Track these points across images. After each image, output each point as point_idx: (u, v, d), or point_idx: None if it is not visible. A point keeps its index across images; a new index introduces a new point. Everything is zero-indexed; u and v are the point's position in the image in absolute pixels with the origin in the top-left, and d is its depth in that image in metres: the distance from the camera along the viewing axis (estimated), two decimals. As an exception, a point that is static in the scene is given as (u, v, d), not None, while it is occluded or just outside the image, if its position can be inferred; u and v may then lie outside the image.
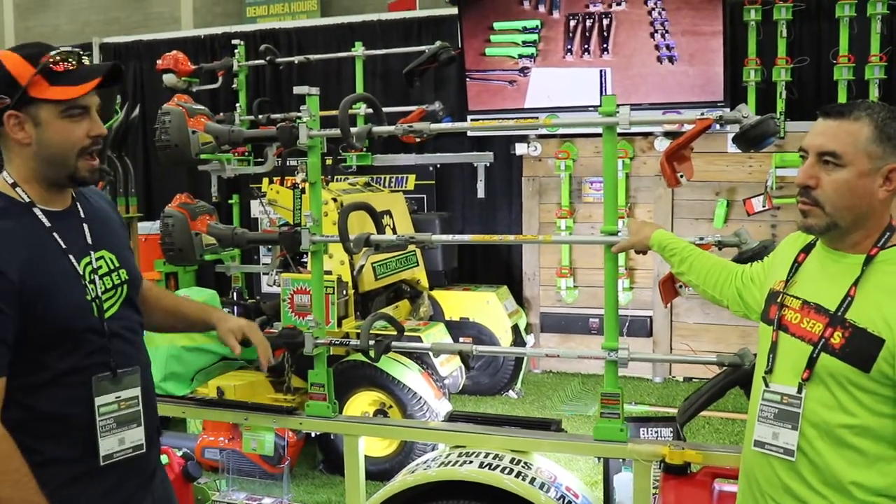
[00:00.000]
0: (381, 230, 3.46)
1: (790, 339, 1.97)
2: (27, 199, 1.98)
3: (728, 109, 2.95)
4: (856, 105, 1.91)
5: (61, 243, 1.99)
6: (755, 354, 2.75)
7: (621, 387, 3.01)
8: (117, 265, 2.11)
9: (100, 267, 2.06)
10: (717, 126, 2.95)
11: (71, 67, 1.94)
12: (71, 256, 2.00)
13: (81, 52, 2.01)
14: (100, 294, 2.03)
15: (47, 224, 1.99)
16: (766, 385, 2.00)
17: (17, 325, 1.87)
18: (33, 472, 1.85)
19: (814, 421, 1.90)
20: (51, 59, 1.92)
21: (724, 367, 3.00)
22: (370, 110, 6.26)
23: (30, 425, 1.92)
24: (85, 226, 2.07)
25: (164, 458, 2.62)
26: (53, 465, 1.95)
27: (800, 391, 1.92)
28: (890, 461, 1.84)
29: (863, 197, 1.88)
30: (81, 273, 2.00)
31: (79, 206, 2.09)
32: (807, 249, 2.06)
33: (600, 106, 2.96)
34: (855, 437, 1.85)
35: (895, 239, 1.91)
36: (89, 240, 2.06)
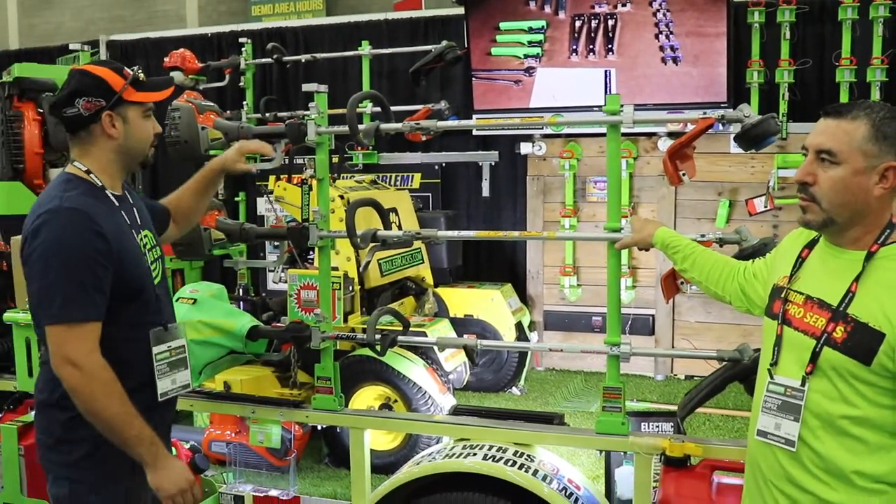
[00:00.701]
0: (387, 226, 3.50)
1: (794, 333, 2.03)
2: (100, 184, 2.40)
3: (732, 110, 2.98)
4: (856, 105, 1.97)
5: (127, 220, 2.44)
6: (755, 350, 2.85)
7: (623, 381, 3.05)
8: (155, 242, 2.59)
9: (146, 243, 2.51)
10: (720, 126, 3.00)
11: (146, 79, 2.46)
12: (133, 231, 2.45)
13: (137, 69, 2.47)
14: (149, 264, 2.48)
15: (116, 204, 2.43)
16: (771, 377, 2.05)
17: (111, 282, 2.29)
18: None
19: (816, 412, 1.95)
20: (136, 72, 2.42)
21: (724, 363, 3.04)
22: (377, 108, 6.33)
23: (110, 364, 2.29)
24: (134, 209, 2.52)
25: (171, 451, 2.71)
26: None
27: (803, 384, 1.97)
28: (890, 450, 1.89)
29: (857, 194, 1.93)
30: (140, 246, 2.46)
31: (127, 193, 2.54)
32: (810, 245, 2.12)
33: (605, 105, 3.02)
34: (856, 428, 1.90)
35: (895, 236, 1.96)
36: (138, 220, 2.51)
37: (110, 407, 2.24)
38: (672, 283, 3.07)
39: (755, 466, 2.11)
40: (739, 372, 2.98)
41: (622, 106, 2.97)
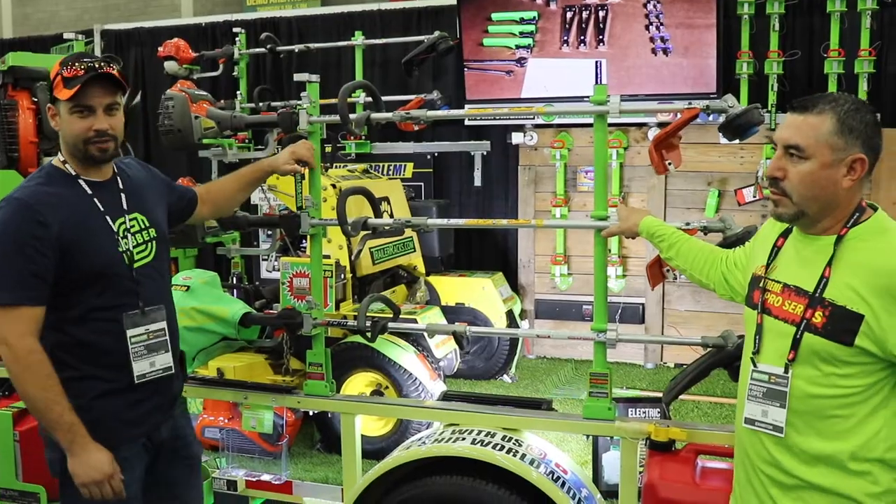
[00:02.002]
0: (378, 214, 3.53)
1: (774, 322, 2.06)
2: (73, 173, 2.48)
3: (717, 100, 3.01)
4: (822, 98, 1.99)
5: (100, 206, 2.49)
6: (739, 336, 2.86)
7: (610, 367, 3.08)
8: (147, 225, 2.62)
9: (133, 226, 2.55)
10: (708, 116, 3.03)
11: (78, 73, 2.38)
12: (108, 217, 2.50)
13: (102, 60, 2.44)
14: (131, 248, 2.52)
15: (89, 192, 2.48)
16: (755, 365, 2.09)
17: (55, 268, 2.36)
18: (72, 384, 2.38)
19: (801, 397, 1.99)
20: (70, 66, 2.39)
21: (709, 349, 3.07)
22: (369, 98, 6.34)
23: (67, 348, 2.43)
24: (122, 194, 2.57)
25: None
26: (89, 380, 2.45)
27: (786, 371, 2.01)
28: (868, 422, 1.93)
29: (827, 187, 1.96)
30: (116, 230, 2.50)
31: (118, 179, 2.59)
32: (785, 234, 2.15)
33: (589, 96, 3.05)
34: (841, 409, 1.94)
35: (864, 217, 1.99)
36: (125, 205, 2.56)
37: (30, 389, 2.34)
38: (658, 271, 3.11)
39: (743, 453, 2.15)
40: (724, 358, 3.01)
41: (609, 96, 2.99)
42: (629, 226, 2.86)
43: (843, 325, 1.91)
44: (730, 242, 2.90)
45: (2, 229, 2.35)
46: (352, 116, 3.35)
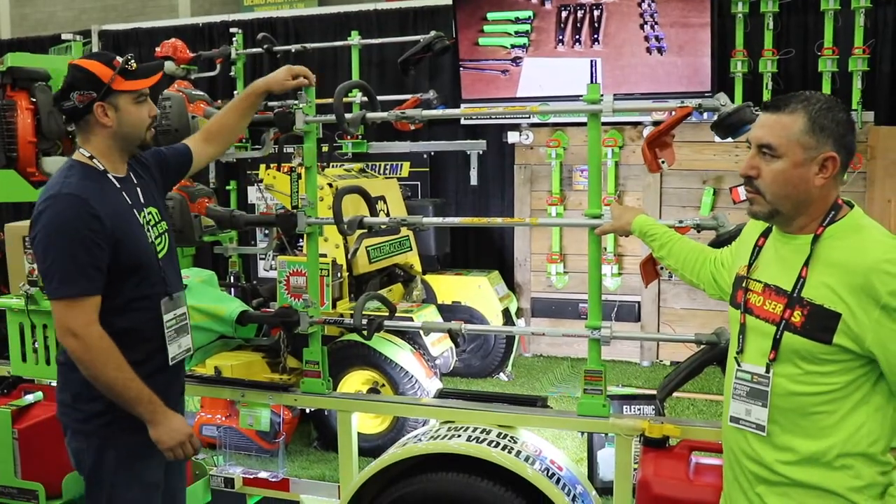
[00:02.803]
0: (374, 213, 3.54)
1: (756, 321, 2.08)
2: (102, 168, 2.59)
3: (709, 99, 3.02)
4: (795, 97, 2.00)
5: (128, 200, 2.62)
6: None
7: (604, 365, 3.08)
8: (159, 219, 2.75)
9: (150, 220, 2.69)
10: (703, 115, 3.04)
11: (135, 66, 2.59)
12: (135, 211, 2.63)
13: (131, 56, 2.63)
14: (153, 240, 2.67)
15: (118, 186, 2.61)
16: (738, 365, 2.10)
17: (108, 260, 2.48)
18: None
19: (783, 395, 2.00)
20: (124, 62, 2.56)
21: (702, 346, 3.08)
22: (365, 98, 6.35)
23: (111, 337, 2.49)
24: (138, 189, 2.69)
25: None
26: (132, 366, 2.52)
27: (767, 370, 2.02)
28: (848, 417, 1.95)
29: (799, 185, 1.97)
30: (142, 223, 2.64)
31: (132, 174, 2.70)
32: (765, 234, 2.16)
33: (586, 94, 3.07)
34: (822, 405, 1.95)
35: (839, 215, 2.00)
36: (142, 199, 2.69)
37: (108, 372, 2.47)
38: (651, 269, 3.12)
39: (730, 451, 2.16)
40: (717, 355, 3.01)
41: (602, 94, 3.00)
42: (622, 224, 2.87)
43: (821, 324, 1.92)
44: (722, 240, 2.90)
45: (59, 223, 2.44)
46: (347, 116, 3.36)
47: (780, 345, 1.99)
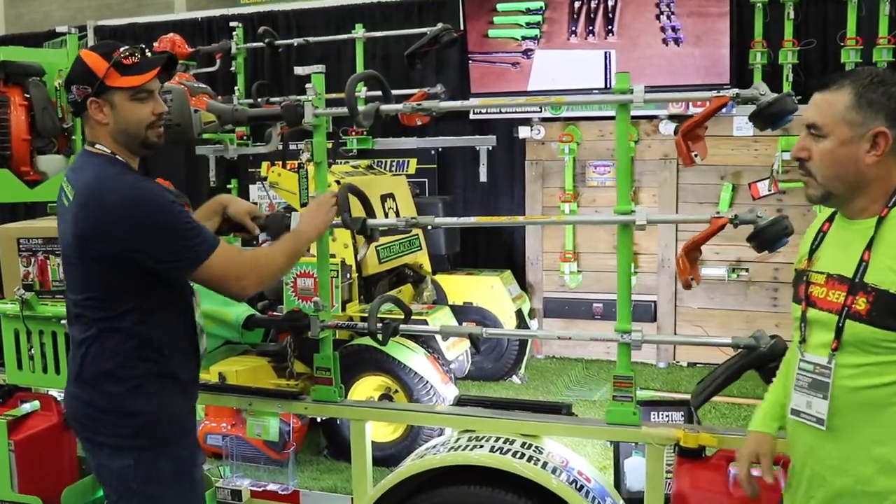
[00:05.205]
0: (371, 215, 3.35)
1: (819, 313, 2.01)
2: (124, 161, 2.48)
3: (746, 89, 2.91)
4: (844, 74, 1.97)
5: None
6: (772, 336, 2.79)
7: (633, 369, 2.98)
8: None
9: None
10: (733, 105, 2.92)
11: (136, 61, 2.41)
12: None
13: (145, 48, 2.48)
14: None
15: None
16: (801, 355, 2.04)
17: None
18: (153, 381, 2.44)
19: (845, 388, 1.92)
20: (121, 55, 2.39)
21: (739, 350, 2.94)
22: (371, 92, 6.22)
23: (151, 342, 2.43)
24: None
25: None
26: (167, 378, 2.47)
27: (830, 361, 1.95)
28: None
29: (848, 165, 1.93)
30: None
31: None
32: (830, 219, 2.10)
33: (606, 86, 2.93)
34: (888, 398, 1.87)
35: None
36: None
37: (279, 262, 2.57)
38: (687, 263, 2.92)
39: (793, 447, 2.10)
40: (755, 359, 2.88)
41: (632, 85, 2.87)
42: (767, 446, 2.32)
43: (888, 311, 1.85)
44: (762, 235, 2.73)
45: (152, 199, 2.35)
46: (359, 108, 3.22)
47: (842, 333, 1.92)
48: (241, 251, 2.56)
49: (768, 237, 2.69)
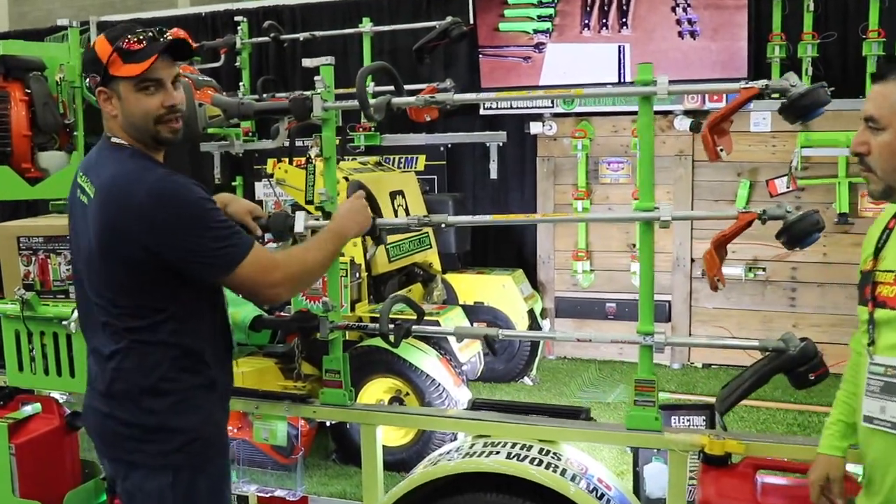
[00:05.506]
0: (378, 213, 3.27)
1: (889, 312, 1.95)
2: (149, 154, 2.31)
3: (776, 80, 2.81)
4: None
5: None
6: (801, 339, 2.68)
7: (656, 373, 2.87)
8: None
9: None
10: (761, 97, 2.82)
11: (141, 46, 2.18)
12: None
13: (157, 30, 2.25)
14: None
15: None
16: (871, 358, 1.98)
17: None
18: (198, 394, 2.30)
19: None
20: (125, 40, 2.18)
21: (767, 353, 2.81)
22: (377, 87, 6.12)
23: (190, 352, 2.28)
24: None
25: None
26: (207, 389, 2.34)
27: None
28: None
29: None
30: None
31: None
32: None
33: (620, 81, 2.84)
34: None
35: None
36: None
37: (317, 266, 2.41)
38: (715, 260, 2.81)
39: (865, 454, 2.04)
40: (785, 363, 2.75)
41: (655, 76, 2.78)
42: (837, 470, 2.25)
43: None
44: (792, 229, 2.62)
45: (184, 196, 2.17)
46: (371, 102, 3.11)
47: None
48: (274, 253, 2.38)
49: (798, 232, 2.60)
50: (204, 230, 2.17)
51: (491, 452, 2.88)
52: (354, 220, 2.62)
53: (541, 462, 2.82)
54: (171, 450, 2.26)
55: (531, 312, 6.14)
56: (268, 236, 3.10)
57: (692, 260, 6.66)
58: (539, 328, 6.23)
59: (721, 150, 2.87)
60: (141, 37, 2.20)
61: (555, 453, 2.89)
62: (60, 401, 3.69)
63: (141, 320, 2.22)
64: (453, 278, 6.00)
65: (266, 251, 2.31)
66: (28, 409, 3.60)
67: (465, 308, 5.55)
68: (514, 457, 2.83)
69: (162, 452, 2.26)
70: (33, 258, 3.47)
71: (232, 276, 2.21)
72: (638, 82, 2.81)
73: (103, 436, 2.34)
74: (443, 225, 3.11)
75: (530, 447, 2.89)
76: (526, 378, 6.25)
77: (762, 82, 2.74)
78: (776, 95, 2.74)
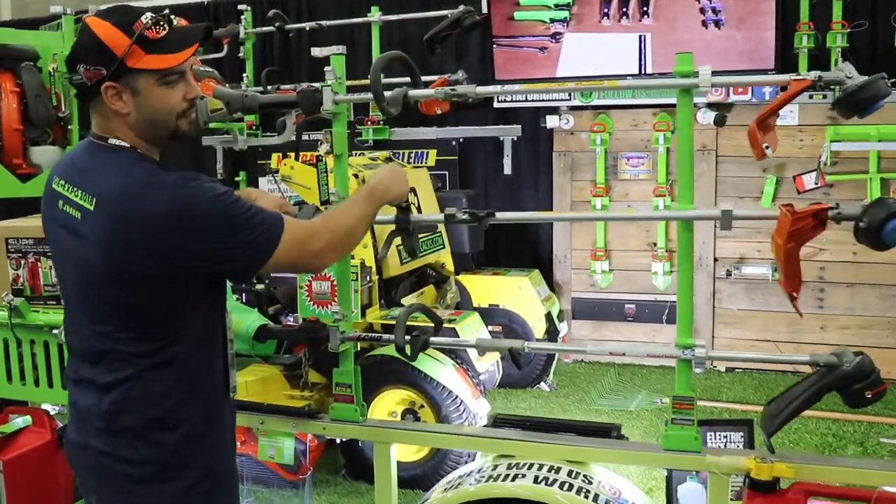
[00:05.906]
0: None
1: None
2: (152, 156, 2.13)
3: (829, 71, 2.59)
4: None
5: None
6: (856, 353, 2.49)
7: (695, 389, 2.67)
8: None
9: None
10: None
11: (164, 33, 1.97)
12: None
13: (169, 14, 2.03)
14: None
15: None
16: None
17: None
18: (212, 420, 2.14)
19: None
20: (144, 27, 1.94)
21: (818, 368, 2.61)
22: (388, 80, 5.92)
23: (204, 374, 2.12)
24: None
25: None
26: (223, 409, 2.20)
27: None
28: None
29: None
30: None
31: None
32: None
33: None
34: None
35: None
36: None
37: (357, 217, 2.27)
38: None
39: None
40: (838, 380, 2.56)
41: (697, 67, 2.59)
42: None
43: None
44: (864, 227, 2.36)
45: (204, 196, 1.96)
46: (386, 94, 2.88)
47: None
48: (306, 221, 2.23)
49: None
50: (237, 227, 1.99)
51: (516, 476, 2.69)
52: (394, 180, 2.44)
53: (571, 486, 2.62)
54: (182, 488, 2.07)
55: (548, 315, 5.96)
56: None
57: (715, 259, 6.46)
58: (557, 332, 6.03)
59: (767, 147, 2.64)
60: (160, 22, 1.98)
61: (585, 476, 2.70)
62: (52, 413, 3.53)
63: (152, 342, 2.02)
64: (467, 280, 5.81)
65: (299, 222, 2.16)
66: (19, 421, 3.42)
67: (478, 311, 5.36)
68: (541, 480, 2.63)
69: (172, 493, 2.06)
70: (23, 261, 3.32)
71: (273, 260, 2.06)
72: (677, 73, 2.61)
73: (101, 476, 2.10)
74: (487, 223, 2.88)
75: (559, 469, 2.69)
76: (543, 384, 6.07)
77: (815, 73, 2.51)
78: (834, 88, 2.51)
